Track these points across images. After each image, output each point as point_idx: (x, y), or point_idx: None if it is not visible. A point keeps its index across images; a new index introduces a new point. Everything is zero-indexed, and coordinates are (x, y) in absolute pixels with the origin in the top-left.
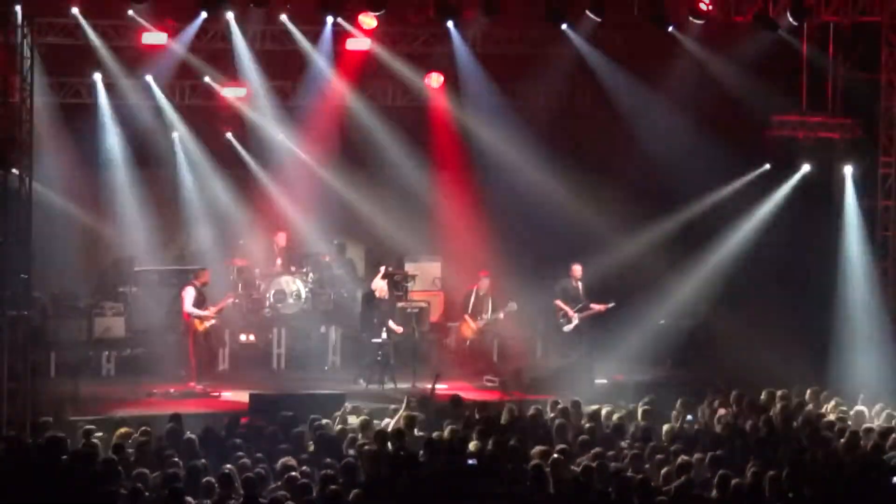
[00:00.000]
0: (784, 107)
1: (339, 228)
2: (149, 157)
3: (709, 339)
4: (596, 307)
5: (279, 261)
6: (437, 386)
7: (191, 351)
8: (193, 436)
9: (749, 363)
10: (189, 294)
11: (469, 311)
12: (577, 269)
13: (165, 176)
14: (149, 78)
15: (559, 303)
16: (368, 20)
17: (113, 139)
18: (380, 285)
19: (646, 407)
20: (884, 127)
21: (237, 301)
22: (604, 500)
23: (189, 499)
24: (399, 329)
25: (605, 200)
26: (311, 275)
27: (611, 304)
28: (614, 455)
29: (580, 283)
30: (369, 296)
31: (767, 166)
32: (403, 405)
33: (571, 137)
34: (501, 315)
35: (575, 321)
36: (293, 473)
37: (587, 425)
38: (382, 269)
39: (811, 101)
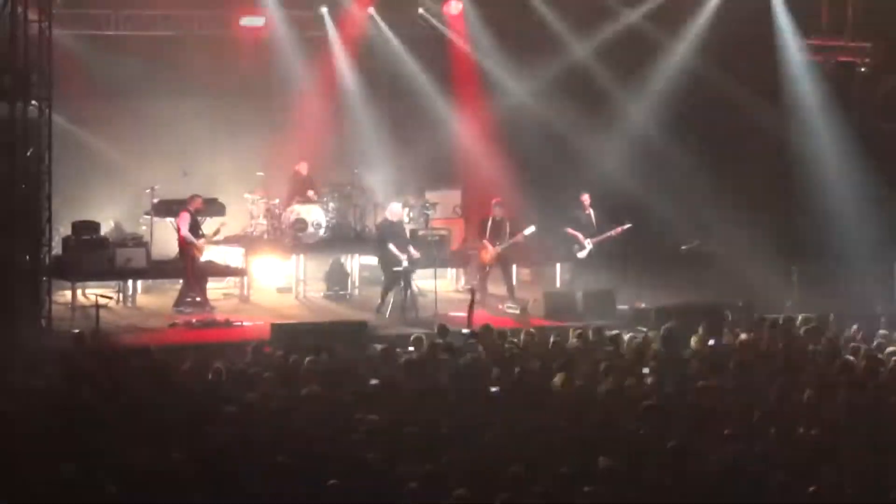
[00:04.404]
0: (803, 30)
1: (359, 157)
2: (169, 88)
3: (727, 264)
4: (611, 232)
5: (310, 193)
6: (459, 313)
7: (189, 274)
8: None
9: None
10: (184, 220)
11: (486, 237)
12: (586, 198)
13: (186, 107)
14: (167, 9)
15: (571, 231)
16: None
17: (133, 70)
18: (396, 209)
19: (666, 332)
20: None
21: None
22: (631, 436)
23: None
24: (417, 254)
25: (624, 128)
26: (331, 204)
27: (627, 226)
28: (636, 382)
29: (591, 211)
30: (387, 224)
31: None
32: (421, 333)
33: (590, 64)
34: (521, 237)
35: (588, 247)
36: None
37: (609, 350)
38: (399, 204)
39: (831, 23)
